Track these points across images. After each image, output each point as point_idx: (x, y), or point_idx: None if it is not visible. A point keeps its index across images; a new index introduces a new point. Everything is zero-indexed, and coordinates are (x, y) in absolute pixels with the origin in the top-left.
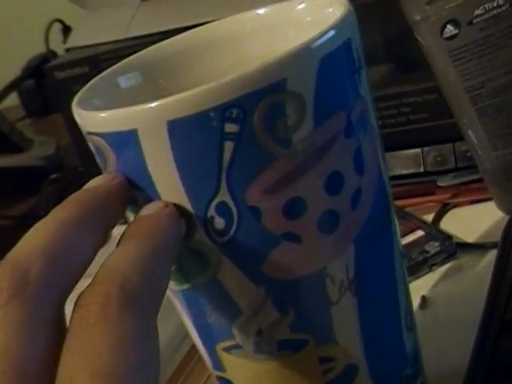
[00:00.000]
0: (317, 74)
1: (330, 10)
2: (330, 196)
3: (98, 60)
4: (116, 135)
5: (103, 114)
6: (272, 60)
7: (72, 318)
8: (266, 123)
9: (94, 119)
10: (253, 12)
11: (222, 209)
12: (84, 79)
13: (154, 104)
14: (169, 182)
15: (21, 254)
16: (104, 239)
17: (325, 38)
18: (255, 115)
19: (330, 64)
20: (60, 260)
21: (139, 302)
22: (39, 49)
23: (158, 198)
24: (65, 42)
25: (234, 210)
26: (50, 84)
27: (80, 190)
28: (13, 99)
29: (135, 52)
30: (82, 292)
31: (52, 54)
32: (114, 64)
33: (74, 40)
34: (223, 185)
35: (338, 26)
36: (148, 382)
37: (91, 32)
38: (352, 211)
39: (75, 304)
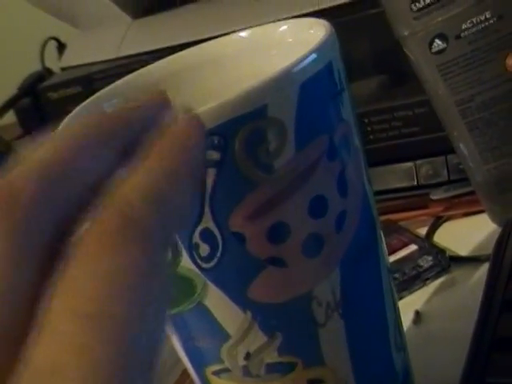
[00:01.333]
0: (298, 99)
1: (311, 31)
2: (314, 220)
3: (91, 79)
4: None
5: None
6: (252, 87)
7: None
8: (247, 150)
9: None
10: (236, 35)
11: (207, 235)
12: (77, 99)
13: None
14: None
15: (18, 171)
16: (121, 162)
17: (305, 62)
18: (236, 142)
19: (311, 88)
20: (60, 178)
21: (143, 231)
22: (36, 66)
23: None
24: (60, 59)
25: (219, 236)
26: (44, 104)
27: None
28: (10, 117)
29: (128, 71)
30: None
31: (47, 72)
32: (107, 83)
33: (68, 59)
34: (207, 211)
35: (319, 49)
36: (147, 333)
37: (85, 51)
38: (337, 234)
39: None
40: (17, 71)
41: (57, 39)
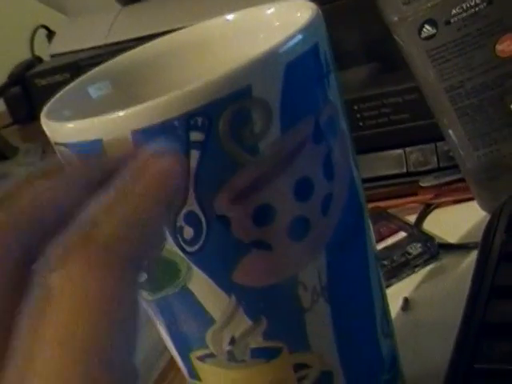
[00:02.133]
0: (283, 80)
1: (298, 14)
2: (299, 202)
3: (79, 66)
4: (81, 145)
5: (68, 125)
6: (236, 67)
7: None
8: (231, 131)
9: (60, 130)
10: (222, 18)
11: (191, 218)
12: (65, 86)
13: (118, 114)
14: None
15: None
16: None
17: (291, 43)
18: (220, 123)
19: (296, 69)
20: (26, 210)
21: (109, 256)
22: (25, 55)
23: None
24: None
25: (203, 219)
26: (32, 91)
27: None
28: None
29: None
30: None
31: (37, 60)
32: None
33: (57, 46)
34: (191, 194)
35: (305, 30)
36: (119, 356)
37: (73, 38)
38: (323, 217)
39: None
40: (7, 60)
41: (46, 27)
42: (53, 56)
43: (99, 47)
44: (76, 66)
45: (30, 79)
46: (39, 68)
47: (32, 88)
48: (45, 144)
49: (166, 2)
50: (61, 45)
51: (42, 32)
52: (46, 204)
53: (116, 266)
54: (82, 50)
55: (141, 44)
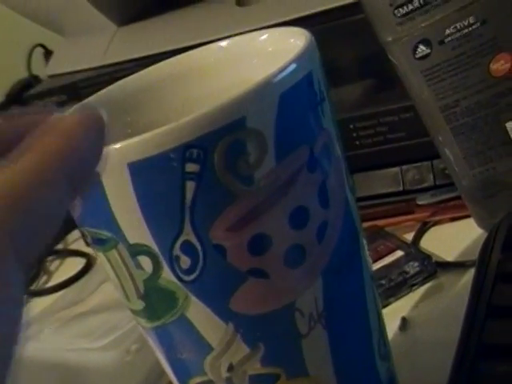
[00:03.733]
0: (277, 110)
1: (291, 40)
2: (295, 231)
3: (77, 88)
4: None
5: None
6: (231, 99)
7: None
8: (226, 162)
9: None
10: (216, 45)
11: (187, 248)
12: (63, 107)
13: (114, 146)
14: (133, 223)
15: None
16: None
17: (285, 72)
18: (215, 154)
19: (290, 99)
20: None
21: None
22: (22, 74)
23: (123, 238)
24: (47, 66)
25: (199, 248)
26: None
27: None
28: None
29: (113, 78)
30: None
31: (34, 79)
32: (92, 91)
33: (54, 67)
34: (187, 224)
35: (298, 59)
36: None
37: (71, 58)
38: (318, 245)
39: None
40: (3, 78)
41: (43, 46)
42: (50, 77)
43: (96, 68)
44: (73, 87)
45: (28, 100)
46: (37, 89)
47: None
48: None
49: (161, 22)
50: (58, 65)
51: (39, 50)
52: None
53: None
54: (79, 71)
55: (138, 65)
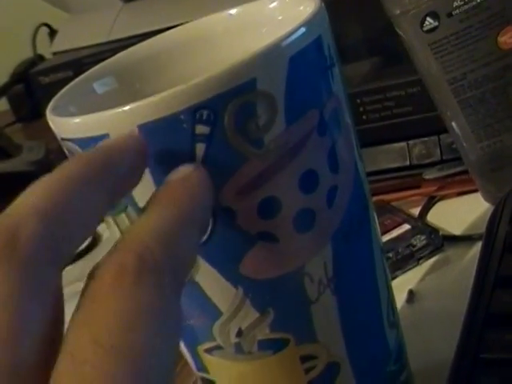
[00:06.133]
0: (287, 73)
1: (301, 7)
2: (305, 194)
3: (82, 64)
4: (88, 140)
5: (75, 120)
6: (241, 60)
7: (83, 289)
8: (236, 124)
9: (67, 125)
10: (225, 13)
11: None
12: (68, 83)
13: (124, 108)
14: (143, 185)
15: (14, 212)
16: (112, 203)
17: (294, 36)
18: (226, 116)
19: (300, 62)
20: (58, 219)
21: (158, 273)
22: (28, 53)
23: (133, 201)
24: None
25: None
26: (35, 89)
27: (94, 148)
28: (2, 105)
29: None
30: (97, 262)
31: (39, 59)
32: None
33: (60, 44)
34: None
35: (308, 23)
36: (161, 365)
37: (75, 36)
38: (328, 209)
39: (88, 275)
40: (9, 58)
41: (48, 25)
42: (55, 54)
43: (102, 44)
44: (79, 63)
45: (33, 77)
46: (42, 66)
47: (35, 86)
48: (48, 141)
49: None
50: (63, 42)
51: (44, 30)
52: (72, 216)
53: (164, 285)
54: (85, 48)
55: (144, 40)
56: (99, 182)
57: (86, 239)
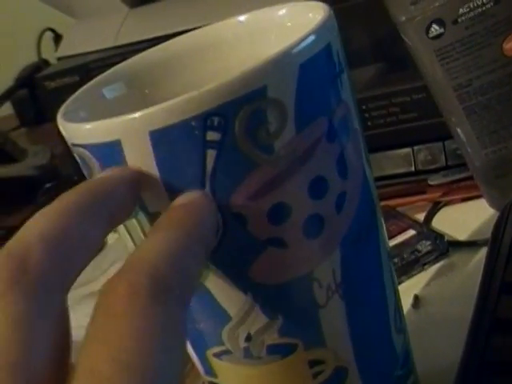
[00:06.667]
0: (297, 80)
1: (310, 15)
2: (314, 200)
3: (88, 69)
4: (100, 146)
5: (86, 126)
6: (252, 68)
7: (97, 304)
8: (247, 130)
9: (78, 131)
10: (234, 19)
11: None
12: (74, 88)
13: (136, 115)
14: (154, 191)
15: (19, 241)
16: (110, 230)
17: (304, 43)
18: (236, 123)
19: (310, 69)
20: (61, 247)
21: (169, 293)
22: (32, 58)
23: (143, 206)
24: (57, 50)
25: (219, 217)
26: (41, 93)
27: (90, 179)
28: (7, 109)
29: (125, 59)
30: (109, 279)
31: (44, 63)
32: (104, 72)
33: (65, 49)
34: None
35: (317, 31)
36: (171, 377)
37: (81, 40)
38: (337, 215)
39: (101, 291)
40: (13, 63)
41: (53, 30)
42: (60, 59)
43: (108, 49)
44: (86, 68)
45: (39, 82)
46: (48, 71)
47: (41, 90)
48: (53, 146)
49: (173, 3)
50: (69, 47)
51: (49, 35)
52: (78, 240)
53: (174, 304)
54: (91, 53)
55: (150, 46)
56: (97, 210)
57: (88, 263)
